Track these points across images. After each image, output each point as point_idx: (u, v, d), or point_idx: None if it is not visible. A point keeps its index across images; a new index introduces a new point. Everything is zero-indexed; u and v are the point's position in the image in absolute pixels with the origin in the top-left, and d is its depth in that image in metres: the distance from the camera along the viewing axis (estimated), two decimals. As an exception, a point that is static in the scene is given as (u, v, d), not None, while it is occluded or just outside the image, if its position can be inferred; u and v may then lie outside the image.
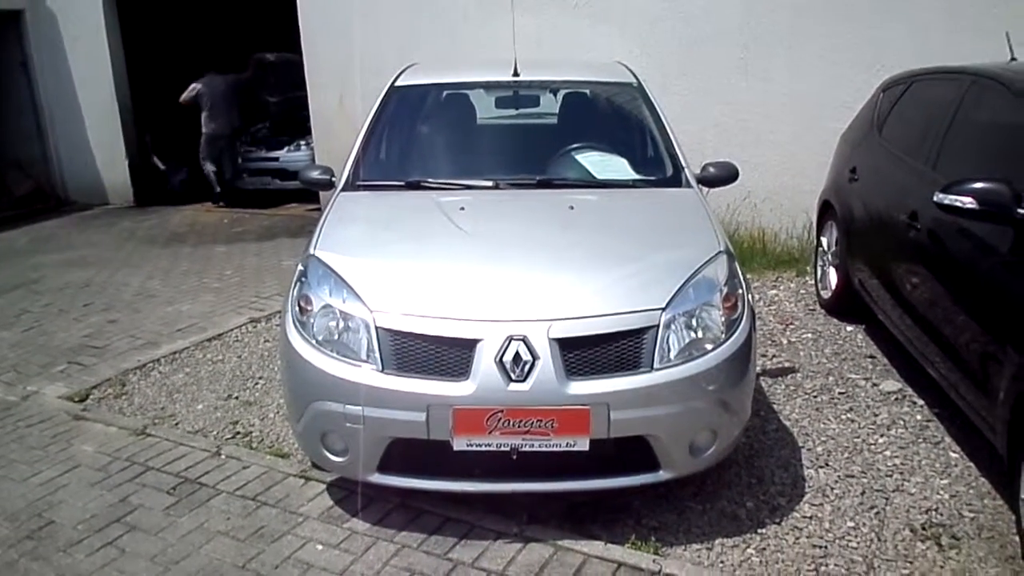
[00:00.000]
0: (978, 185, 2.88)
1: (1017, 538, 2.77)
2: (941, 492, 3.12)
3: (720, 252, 2.96)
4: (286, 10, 8.42)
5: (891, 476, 3.24)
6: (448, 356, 2.59)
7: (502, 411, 2.53)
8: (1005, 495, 3.05)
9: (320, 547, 2.76)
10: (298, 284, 2.92)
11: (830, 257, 5.10)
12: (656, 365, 2.61)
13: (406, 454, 2.69)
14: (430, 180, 3.55)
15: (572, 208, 3.24)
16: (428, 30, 7.58)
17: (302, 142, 9.66)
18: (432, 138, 4.00)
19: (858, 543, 2.80)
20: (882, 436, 3.55)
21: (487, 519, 2.86)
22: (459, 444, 2.58)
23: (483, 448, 2.58)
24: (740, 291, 2.89)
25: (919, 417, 3.72)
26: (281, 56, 10.02)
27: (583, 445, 2.57)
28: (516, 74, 4.02)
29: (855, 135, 4.93)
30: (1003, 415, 2.76)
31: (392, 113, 4.01)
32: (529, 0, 6.93)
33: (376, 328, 2.64)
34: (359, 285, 2.76)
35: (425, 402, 2.56)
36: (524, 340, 2.55)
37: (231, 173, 9.95)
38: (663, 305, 2.68)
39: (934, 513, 2.97)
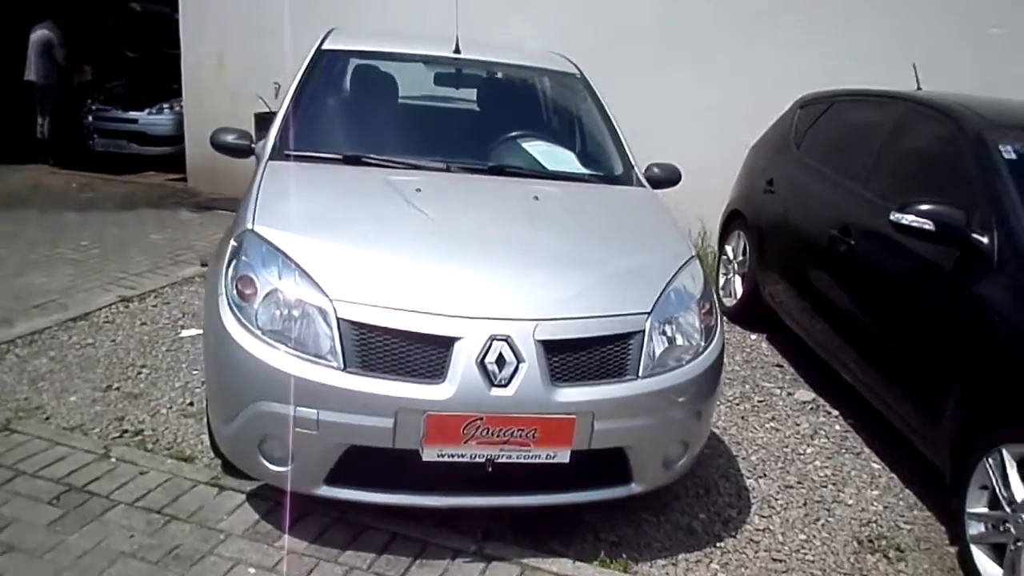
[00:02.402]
0: (936, 208, 2.96)
1: (952, 550, 2.88)
2: (875, 503, 3.19)
3: (692, 257, 2.85)
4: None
5: (826, 487, 3.28)
6: (421, 355, 2.29)
7: (481, 419, 2.27)
8: (931, 506, 3.17)
9: (252, 570, 2.38)
10: (233, 262, 2.50)
11: (736, 266, 5.20)
12: (641, 373, 2.45)
13: (361, 464, 2.36)
14: (371, 156, 3.20)
15: (536, 199, 3.01)
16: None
17: (165, 105, 8.78)
18: (367, 110, 3.63)
19: (814, 556, 2.80)
20: (808, 446, 3.61)
21: (439, 534, 2.59)
22: (429, 455, 2.30)
23: (455, 459, 2.31)
24: (713, 297, 2.80)
25: (837, 428, 3.82)
26: (148, 7, 9.05)
27: (564, 457, 2.37)
28: (457, 51, 3.74)
29: (769, 149, 5.05)
30: (947, 435, 2.84)
31: (320, 79, 3.61)
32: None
33: (338, 319, 2.30)
34: (314, 269, 2.39)
35: (394, 406, 2.25)
36: (507, 341, 2.31)
37: (50, 130, 8.76)
38: (648, 309, 2.52)
39: (874, 525, 3.03)
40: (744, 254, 5.04)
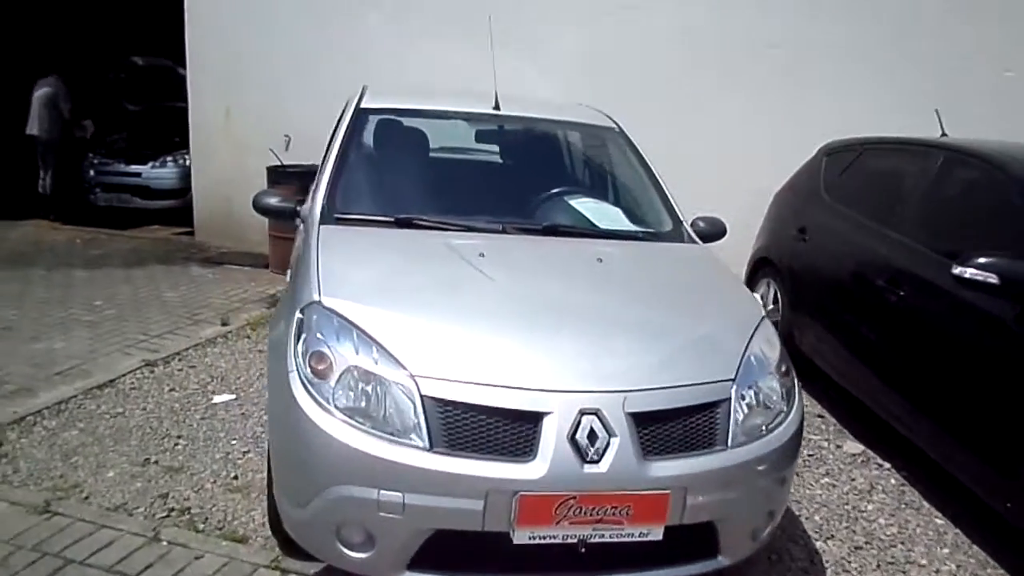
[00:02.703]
0: (999, 261, 2.93)
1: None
2: (948, 562, 3.10)
3: (764, 318, 2.80)
4: (171, 11, 7.55)
5: (895, 547, 3.19)
6: (509, 432, 2.20)
7: (575, 497, 2.17)
8: (1006, 566, 3.09)
9: (332, 664, 2.25)
10: (302, 337, 2.40)
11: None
12: (731, 443, 2.37)
13: (445, 547, 2.25)
14: (424, 218, 3.13)
15: (600, 261, 2.95)
16: (330, 50, 7.06)
17: (169, 157, 8.70)
18: (413, 169, 3.57)
19: (906, 626, 2.70)
20: (868, 503, 3.53)
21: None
22: (520, 536, 2.19)
23: (547, 540, 2.21)
24: (788, 359, 2.73)
25: (892, 481, 3.74)
26: (151, 60, 9.01)
27: (657, 534, 2.27)
28: (497, 107, 3.71)
29: (797, 196, 5.04)
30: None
31: (363, 139, 3.57)
32: (454, 31, 6.67)
33: (422, 397, 2.20)
34: (392, 343, 2.30)
35: (484, 488, 2.15)
36: (597, 414, 2.22)
37: (52, 185, 8.64)
38: (732, 376, 2.45)
39: (955, 587, 2.94)
40: (775, 302, 5.00)
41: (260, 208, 3.34)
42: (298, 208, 3.32)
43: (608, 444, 2.21)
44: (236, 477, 3.31)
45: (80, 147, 8.90)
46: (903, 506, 3.52)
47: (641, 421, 2.26)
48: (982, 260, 2.96)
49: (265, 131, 7.20)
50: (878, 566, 3.04)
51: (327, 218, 3.10)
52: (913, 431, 3.59)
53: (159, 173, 8.58)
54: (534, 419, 2.20)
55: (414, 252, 2.91)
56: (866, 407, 3.99)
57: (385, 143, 3.70)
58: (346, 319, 2.39)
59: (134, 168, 8.64)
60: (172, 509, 3.05)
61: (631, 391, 2.28)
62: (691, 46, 6.19)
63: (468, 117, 3.81)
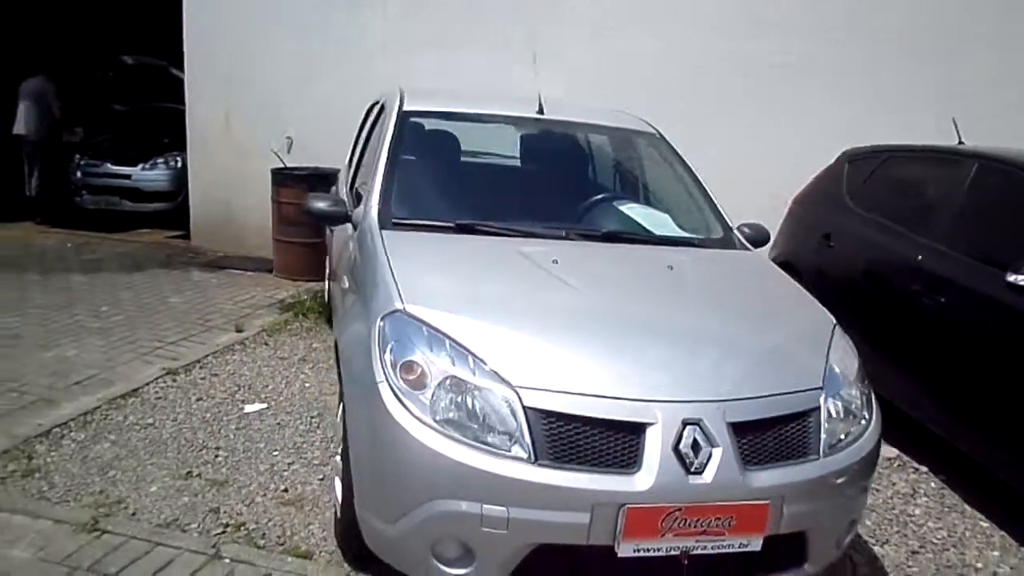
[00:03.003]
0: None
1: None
2: (1003, 565, 3.14)
3: (835, 324, 2.80)
4: (168, 10, 7.37)
5: (948, 550, 3.22)
6: (613, 444, 2.16)
7: (680, 509, 2.14)
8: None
9: None
10: (389, 346, 2.33)
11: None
12: (823, 452, 2.36)
13: (546, 562, 2.20)
14: (486, 224, 3.08)
15: (671, 268, 2.93)
16: (332, 53, 6.95)
17: (159, 159, 8.48)
18: (464, 173, 3.53)
19: (977, 630, 2.72)
20: (915, 507, 3.56)
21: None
22: (625, 550, 2.15)
23: (651, 553, 2.17)
24: (864, 367, 2.73)
25: (932, 485, 3.78)
26: (141, 60, 8.77)
27: (756, 544, 2.25)
28: (541, 111, 3.68)
29: (820, 203, 5.08)
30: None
31: (410, 142, 3.50)
32: (460, 37, 6.62)
33: (524, 408, 2.15)
34: (488, 354, 2.25)
35: (590, 501, 2.11)
36: (699, 424, 2.20)
37: (39, 187, 8.39)
38: (820, 384, 2.45)
39: (1016, 591, 2.97)
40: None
41: (313, 213, 3.26)
42: (350, 213, 3.25)
43: (711, 455, 2.18)
44: (286, 490, 3.22)
45: (68, 149, 8.63)
46: (947, 510, 3.55)
47: (740, 431, 2.24)
48: (1037, 267, 3.00)
49: (265, 134, 7.06)
50: (937, 570, 3.07)
51: (385, 223, 3.03)
52: (955, 435, 3.63)
53: (150, 175, 8.35)
54: (638, 430, 2.17)
55: (487, 259, 2.86)
56: (895, 411, 4.03)
57: (433, 147, 3.64)
58: (436, 328, 2.33)
59: (124, 170, 8.40)
60: (227, 524, 2.95)
61: (730, 400, 2.26)
62: (706, 61, 6.19)
63: (513, 121, 3.77)
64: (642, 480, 2.13)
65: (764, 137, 6.03)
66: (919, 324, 3.83)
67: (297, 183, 6.44)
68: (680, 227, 3.50)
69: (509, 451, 2.13)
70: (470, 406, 2.19)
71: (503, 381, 2.19)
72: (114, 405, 3.91)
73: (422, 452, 2.15)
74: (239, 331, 5.17)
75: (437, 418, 2.19)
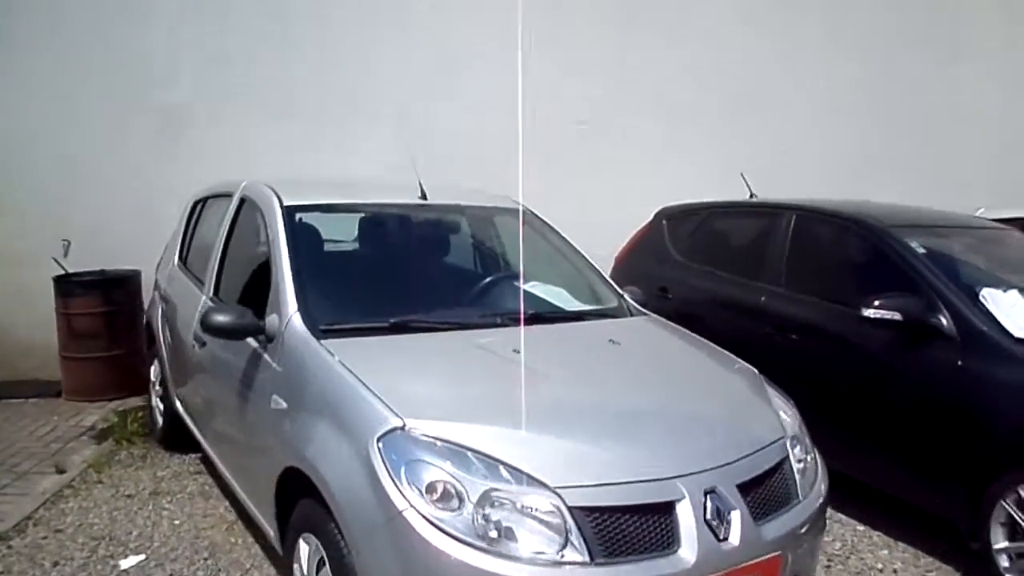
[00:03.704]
0: (899, 301, 3.57)
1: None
2: (895, 562, 3.62)
3: (757, 372, 3.10)
4: None
5: (849, 558, 3.64)
6: (651, 527, 2.20)
7: (719, 576, 2.24)
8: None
9: None
10: (402, 469, 2.16)
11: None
12: (803, 495, 2.60)
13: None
14: (416, 321, 2.99)
15: (613, 343, 3.05)
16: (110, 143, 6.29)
17: None
18: (368, 269, 3.37)
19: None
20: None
21: None
22: (680, 630, 2.19)
23: (699, 626, 2.23)
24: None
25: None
26: None
27: (774, 595, 2.41)
28: (424, 196, 3.66)
29: (647, 258, 5.54)
30: (961, 492, 3.37)
31: (303, 240, 3.29)
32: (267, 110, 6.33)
33: (570, 509, 2.12)
34: (518, 459, 2.18)
35: (649, 589, 2.13)
36: (715, 491, 2.32)
37: None
38: (783, 433, 2.70)
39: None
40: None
41: (214, 328, 2.92)
42: (262, 323, 2.96)
43: (731, 519, 2.31)
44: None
45: None
46: (831, 522, 3.99)
47: (744, 491, 2.40)
48: (885, 301, 3.57)
49: (39, 238, 6.14)
50: (851, 577, 3.46)
51: (315, 332, 2.81)
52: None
53: None
54: (669, 508, 2.24)
55: (450, 358, 2.77)
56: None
57: (323, 244, 3.45)
58: (451, 442, 2.22)
59: None
60: None
61: (733, 463, 2.42)
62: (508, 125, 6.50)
63: (399, 209, 3.70)
64: (685, 557, 2.19)
65: (573, 195, 6.46)
66: (774, 359, 4.33)
67: (88, 291, 5.67)
68: (578, 299, 3.64)
69: (564, 556, 2.08)
70: (516, 518, 2.10)
71: (543, 485, 2.14)
72: (-58, 597, 3.13)
73: (475, 578, 2.03)
74: (60, 472, 4.39)
75: (484, 537, 2.07)
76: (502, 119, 6.28)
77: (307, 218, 3.42)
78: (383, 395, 2.37)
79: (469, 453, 2.19)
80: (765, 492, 2.48)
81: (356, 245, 3.61)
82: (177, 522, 3.82)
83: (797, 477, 2.62)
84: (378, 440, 2.25)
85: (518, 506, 2.12)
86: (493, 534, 2.09)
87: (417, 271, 3.53)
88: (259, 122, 6.34)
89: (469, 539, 2.06)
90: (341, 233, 3.72)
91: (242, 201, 3.78)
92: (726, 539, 2.27)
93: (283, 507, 2.76)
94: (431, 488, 2.14)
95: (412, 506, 2.11)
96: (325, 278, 3.21)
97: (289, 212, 3.34)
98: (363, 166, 6.18)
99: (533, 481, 2.15)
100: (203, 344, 3.59)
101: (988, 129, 7.09)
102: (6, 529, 3.68)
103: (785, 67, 6.85)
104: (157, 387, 4.80)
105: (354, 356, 2.63)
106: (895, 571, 3.54)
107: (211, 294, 3.71)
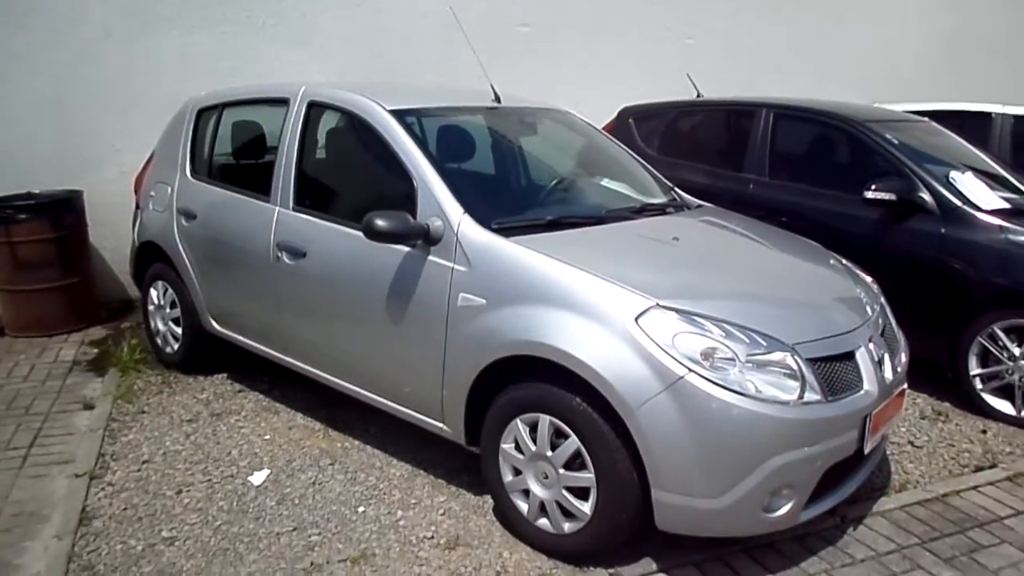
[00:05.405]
0: (894, 182, 4.31)
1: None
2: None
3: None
4: None
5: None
6: (847, 370, 2.72)
7: (886, 404, 2.83)
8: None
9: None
10: (674, 337, 2.49)
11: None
12: (903, 341, 3.28)
13: (826, 477, 2.67)
14: (565, 217, 3.23)
15: (735, 231, 3.55)
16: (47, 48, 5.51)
17: None
18: (488, 169, 3.52)
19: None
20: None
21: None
22: (869, 446, 2.76)
23: (872, 445, 2.82)
24: None
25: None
26: None
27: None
28: (497, 100, 3.80)
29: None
30: (945, 334, 4.26)
31: (425, 144, 3.35)
32: (198, 15, 5.84)
33: (805, 360, 2.57)
34: (759, 327, 2.59)
35: (857, 419, 2.67)
36: (871, 340, 2.89)
37: None
38: (880, 292, 3.37)
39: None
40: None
41: (378, 233, 2.94)
42: (427, 226, 3.02)
43: (883, 358, 2.91)
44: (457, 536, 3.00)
45: None
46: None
47: (880, 335, 3.02)
48: (881, 184, 4.29)
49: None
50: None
51: (492, 230, 2.96)
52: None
53: None
54: (852, 356, 2.77)
55: (632, 248, 3.08)
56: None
57: (440, 146, 3.53)
58: (704, 315, 2.58)
59: None
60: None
61: (870, 319, 3.01)
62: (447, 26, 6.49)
63: (483, 112, 3.80)
64: (871, 390, 2.75)
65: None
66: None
67: (36, 216, 5.09)
68: (644, 194, 3.99)
69: (806, 399, 2.55)
70: (768, 372, 2.53)
71: (783, 344, 2.58)
72: (84, 541, 2.98)
73: (757, 423, 2.44)
74: (89, 408, 4.12)
75: (755, 389, 2.48)
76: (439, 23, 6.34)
77: (414, 123, 3.45)
78: (619, 281, 2.65)
79: (727, 324, 2.57)
80: (887, 339, 3.09)
81: (468, 147, 3.68)
82: (268, 437, 3.81)
83: (895, 326, 3.27)
84: (636, 319, 2.54)
85: (775, 364, 2.55)
86: (762, 385, 2.50)
87: (532, 171, 3.72)
88: (191, 30, 5.85)
89: (749, 392, 2.47)
90: (454, 137, 3.76)
91: (311, 106, 3.67)
92: (884, 377, 2.86)
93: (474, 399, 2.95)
94: (706, 354, 2.49)
95: (691, 370, 2.46)
96: (467, 181, 3.32)
97: (399, 117, 3.35)
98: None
99: (775, 342, 2.58)
100: (298, 255, 3.51)
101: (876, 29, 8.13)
102: (91, 468, 3.48)
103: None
104: (166, 310, 4.54)
105: (552, 250, 2.84)
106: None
107: (292, 204, 3.61)
